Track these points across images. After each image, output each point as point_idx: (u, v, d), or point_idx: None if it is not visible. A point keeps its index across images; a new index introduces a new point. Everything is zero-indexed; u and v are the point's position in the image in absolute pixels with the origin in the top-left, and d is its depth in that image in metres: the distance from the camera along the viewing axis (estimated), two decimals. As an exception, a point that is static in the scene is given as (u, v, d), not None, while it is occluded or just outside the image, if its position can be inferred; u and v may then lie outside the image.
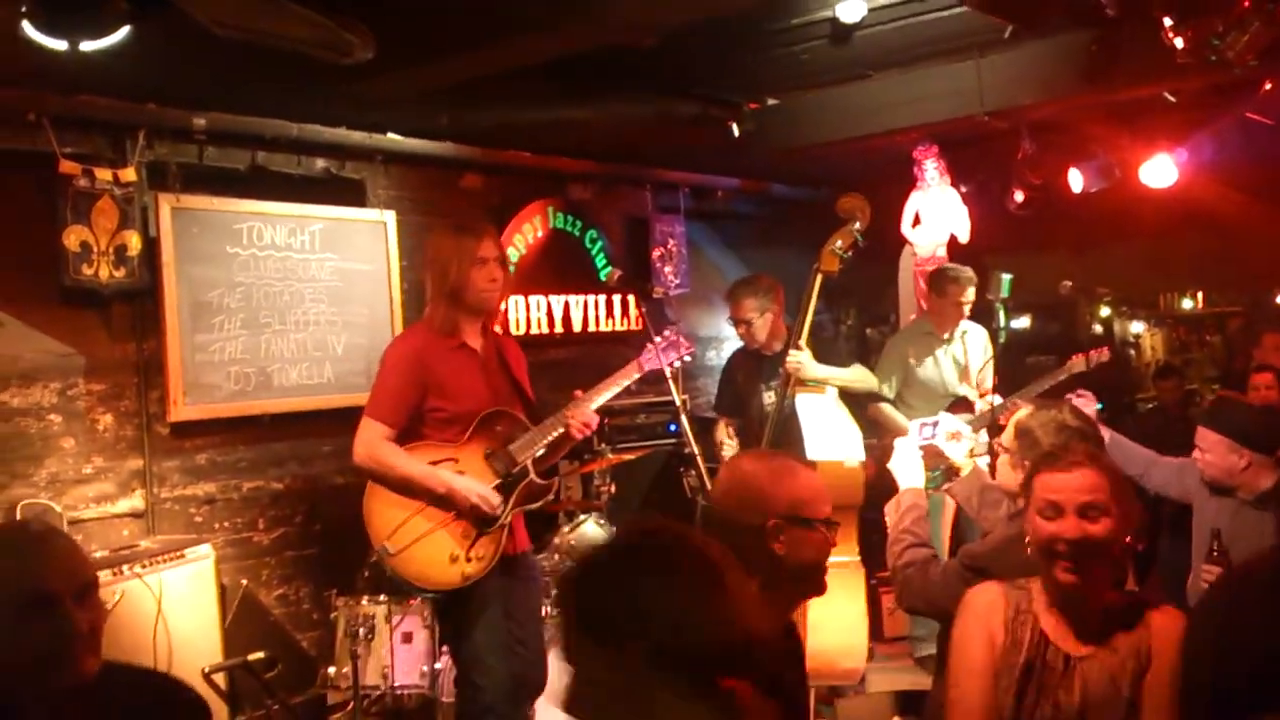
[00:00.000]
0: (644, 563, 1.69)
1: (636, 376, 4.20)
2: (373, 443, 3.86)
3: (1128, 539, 2.48)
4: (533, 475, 3.93)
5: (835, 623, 4.54)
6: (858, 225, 4.91)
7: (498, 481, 3.89)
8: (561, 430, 3.99)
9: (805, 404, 4.89)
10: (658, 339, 4.24)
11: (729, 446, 5.36)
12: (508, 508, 3.89)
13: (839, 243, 4.88)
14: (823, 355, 5.05)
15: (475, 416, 3.92)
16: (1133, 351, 9.65)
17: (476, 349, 4.01)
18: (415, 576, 3.85)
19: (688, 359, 4.29)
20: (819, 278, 4.91)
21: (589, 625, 1.65)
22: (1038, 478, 2.64)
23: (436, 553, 3.81)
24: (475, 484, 3.84)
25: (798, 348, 4.93)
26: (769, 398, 5.29)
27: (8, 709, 2.07)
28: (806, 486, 2.58)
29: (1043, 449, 3.38)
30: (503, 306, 4.45)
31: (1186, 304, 9.27)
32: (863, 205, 4.96)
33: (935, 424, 3.80)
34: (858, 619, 4.66)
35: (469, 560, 3.82)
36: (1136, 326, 9.55)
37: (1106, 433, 4.71)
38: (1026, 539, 2.60)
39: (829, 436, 4.78)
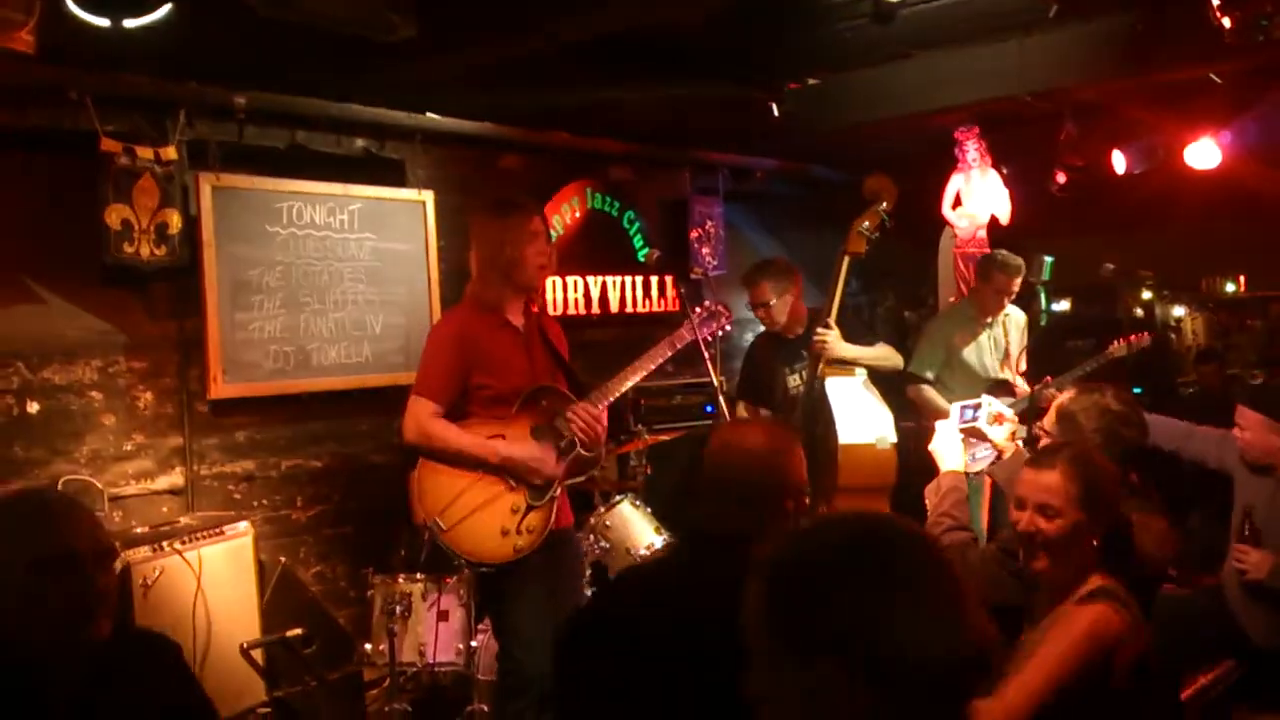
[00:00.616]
0: (879, 567, 1.43)
1: (677, 349, 4.21)
2: (422, 418, 3.89)
3: (1094, 540, 2.69)
4: (580, 448, 3.95)
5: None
6: (884, 206, 4.87)
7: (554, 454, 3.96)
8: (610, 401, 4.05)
9: (835, 387, 4.87)
10: (698, 309, 4.26)
11: None
12: (560, 478, 3.95)
13: (866, 224, 4.84)
14: (849, 336, 5.01)
15: (521, 393, 3.95)
16: (1174, 335, 9.52)
17: (519, 327, 4.05)
18: (468, 551, 3.87)
19: (729, 329, 4.29)
20: (846, 259, 4.87)
21: (792, 631, 1.43)
22: (1024, 470, 2.88)
23: (488, 527, 3.84)
24: (533, 448, 3.89)
25: (827, 326, 4.90)
26: (793, 381, 5.26)
27: (30, 666, 2.14)
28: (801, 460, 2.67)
29: (1084, 433, 3.38)
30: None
31: (1229, 288, 9.13)
32: (889, 186, 4.91)
33: (977, 406, 3.76)
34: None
35: (519, 533, 3.84)
36: (1178, 310, 9.41)
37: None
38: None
39: (860, 419, 4.75)
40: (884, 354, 5.20)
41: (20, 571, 2.09)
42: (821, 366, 4.90)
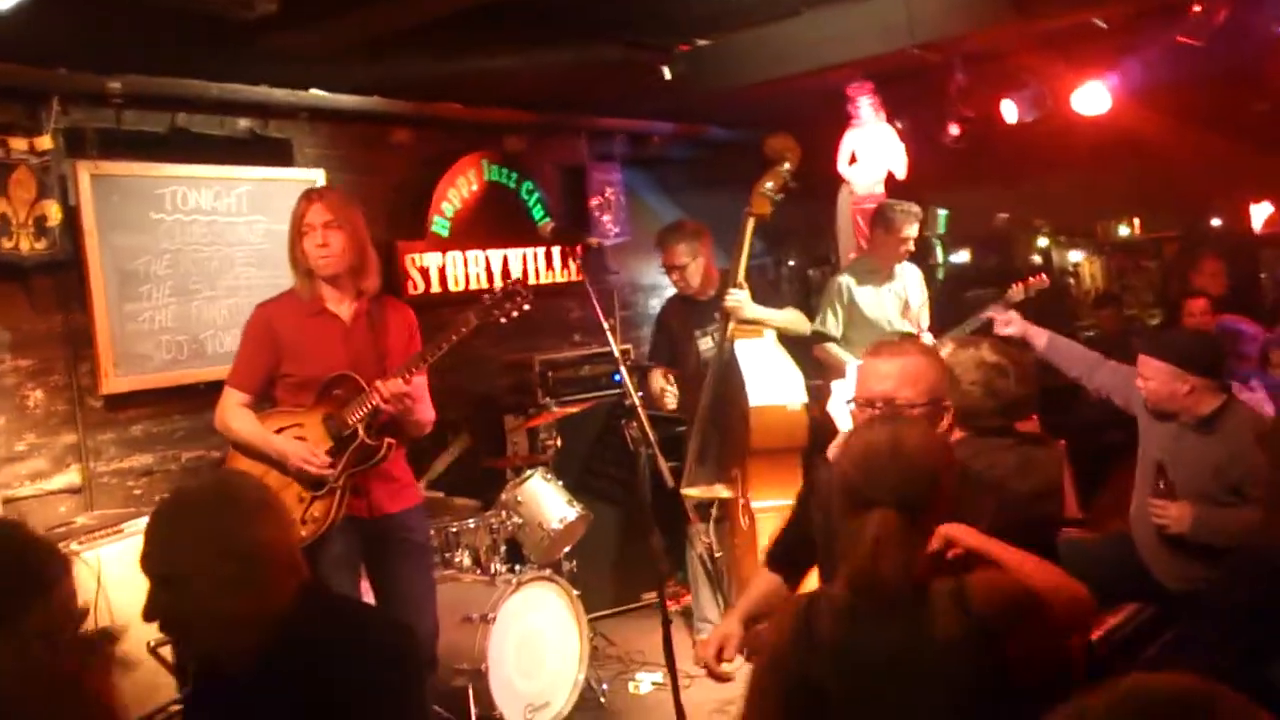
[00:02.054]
0: None
1: (463, 334, 3.90)
2: (224, 408, 3.96)
3: None
4: (363, 437, 3.85)
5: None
6: (787, 166, 4.87)
7: (330, 445, 3.85)
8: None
9: (745, 349, 4.88)
10: (487, 295, 4.00)
11: (670, 395, 5.34)
12: (339, 470, 3.83)
13: (769, 184, 4.85)
14: (757, 297, 5.03)
15: (322, 382, 3.90)
16: (1072, 280, 9.73)
17: (340, 314, 3.96)
18: None
19: (526, 309, 3.94)
20: (751, 221, 4.88)
21: None
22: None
23: None
24: (300, 447, 3.82)
25: (739, 286, 4.91)
26: (705, 344, 5.27)
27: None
28: None
29: (961, 387, 3.43)
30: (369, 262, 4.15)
31: (1123, 231, 9.35)
32: (792, 145, 4.92)
33: None
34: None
35: (303, 523, 3.78)
36: (1075, 255, 9.63)
37: (1043, 335, 4.74)
38: None
39: (770, 380, 4.78)
40: (793, 318, 5.24)
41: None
42: (731, 328, 4.91)
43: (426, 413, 4.09)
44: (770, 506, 4.67)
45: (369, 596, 4.15)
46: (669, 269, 5.31)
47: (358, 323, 3.97)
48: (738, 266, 4.92)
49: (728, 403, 4.97)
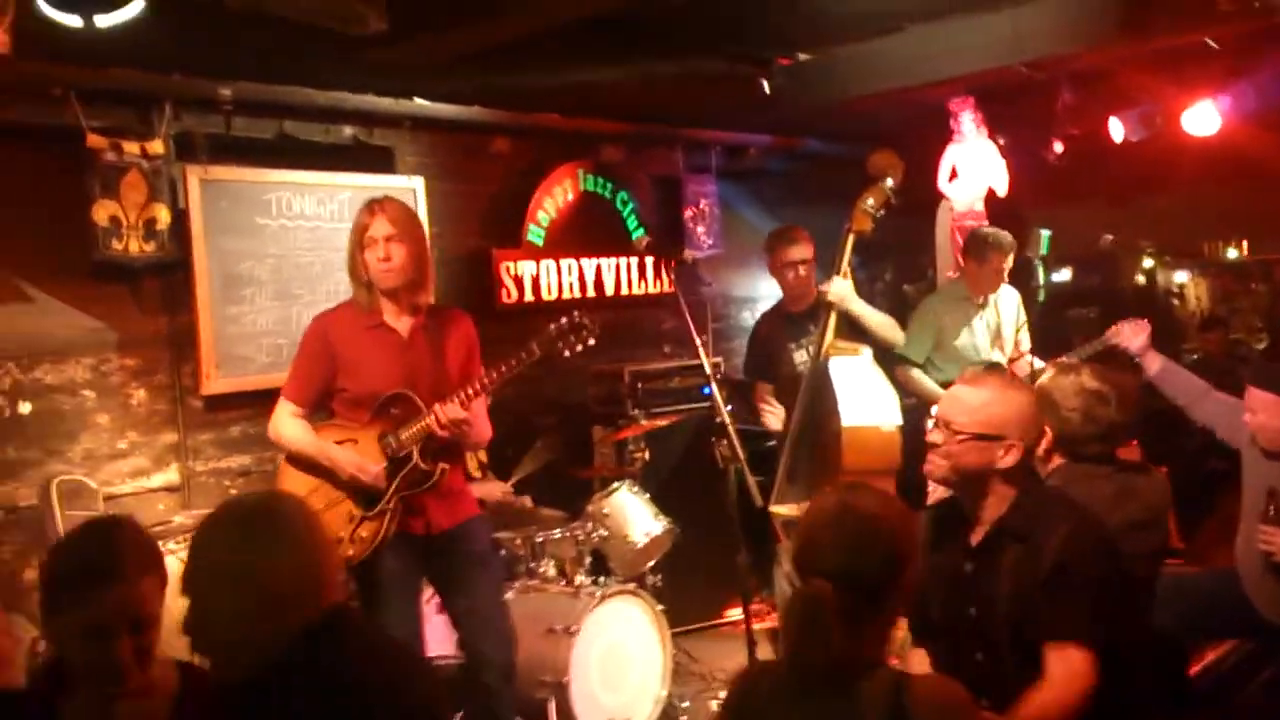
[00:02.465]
0: None
1: (525, 364, 3.84)
2: (277, 419, 3.92)
3: None
4: (417, 460, 3.79)
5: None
6: (890, 183, 4.80)
7: (383, 464, 3.80)
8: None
9: (839, 366, 4.81)
10: (553, 325, 3.89)
11: (771, 414, 5.26)
12: (389, 490, 3.79)
13: (870, 201, 4.78)
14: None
15: (379, 398, 3.83)
16: (1177, 302, 9.47)
17: (398, 329, 3.88)
18: None
19: (592, 343, 3.87)
20: (851, 237, 4.82)
21: None
22: None
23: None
24: (352, 455, 3.78)
25: (844, 276, 4.84)
26: (799, 356, 5.22)
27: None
28: None
29: (1061, 413, 3.37)
30: (428, 274, 3.97)
31: (1231, 253, 9.07)
32: (895, 162, 4.85)
33: None
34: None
35: (351, 542, 3.75)
36: (1180, 276, 9.35)
37: (1158, 360, 4.59)
38: None
39: (865, 400, 4.70)
40: (889, 322, 5.16)
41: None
42: (826, 344, 4.85)
43: (483, 433, 4.02)
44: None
45: (429, 613, 4.20)
46: (787, 266, 5.22)
47: (415, 337, 3.88)
48: (840, 266, 4.87)
49: (820, 421, 4.91)
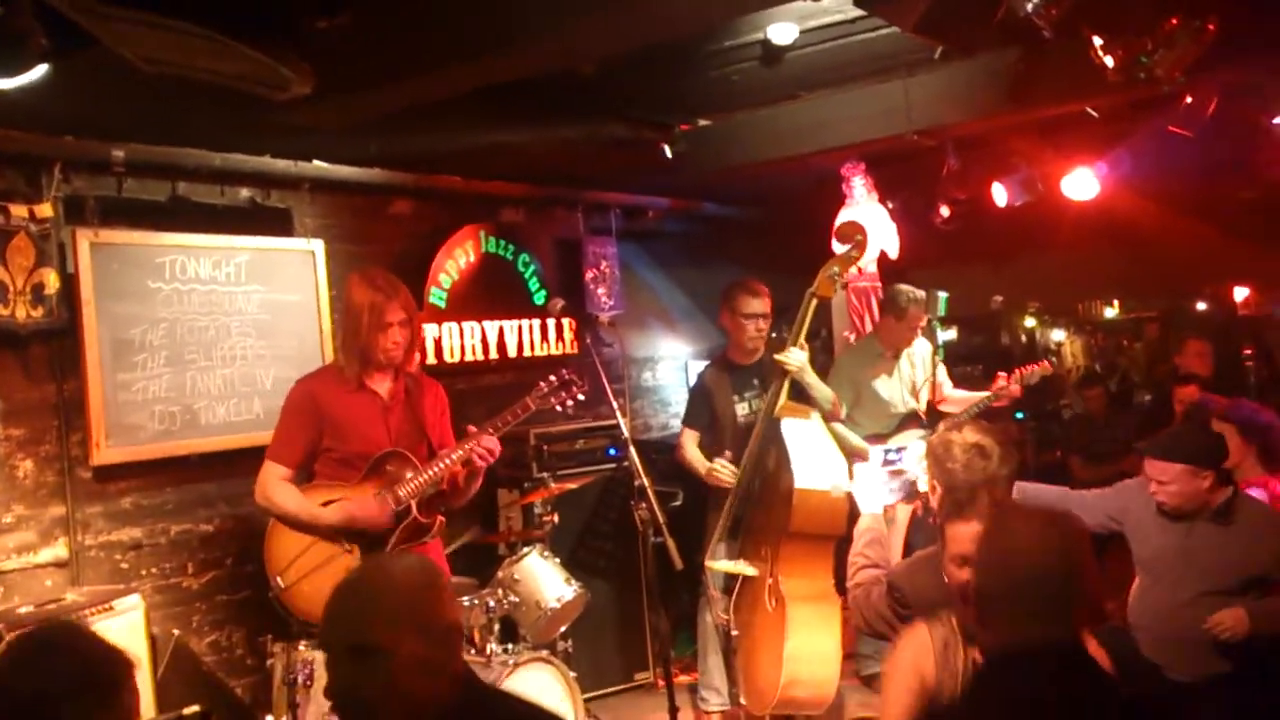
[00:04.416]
0: None
1: (519, 418, 4.27)
2: (266, 483, 4.10)
3: None
4: (415, 514, 4.07)
5: (812, 653, 4.53)
6: (855, 252, 4.89)
7: (383, 497, 4.06)
8: (446, 464, 4.13)
9: (791, 429, 4.83)
10: (542, 383, 4.35)
11: (725, 471, 5.12)
12: (390, 544, 4.04)
13: (835, 268, 4.86)
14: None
15: (369, 458, 4.08)
16: (1054, 359, 9.80)
17: (380, 392, 4.16)
18: (303, 612, 4.06)
19: (581, 399, 4.36)
20: (813, 302, 4.87)
21: None
22: (948, 527, 2.94)
23: (323, 590, 3.68)
24: (360, 501, 4.01)
25: (800, 347, 4.91)
26: (742, 409, 5.26)
27: None
28: None
29: (946, 468, 3.45)
30: (419, 343, 4.56)
31: (1108, 312, 9.46)
32: (861, 230, 4.98)
33: (901, 450, 3.82)
34: (833, 650, 4.65)
35: None
36: (1057, 334, 9.71)
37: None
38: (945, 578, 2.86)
39: (817, 464, 4.72)
40: (832, 396, 5.25)
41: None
42: (779, 406, 4.88)
43: (475, 487, 4.32)
44: (801, 594, 4.63)
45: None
46: (749, 318, 5.27)
47: (396, 400, 4.16)
48: (799, 334, 4.93)
49: (768, 480, 4.92)
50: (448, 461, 4.13)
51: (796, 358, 4.91)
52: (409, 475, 4.09)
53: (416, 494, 4.06)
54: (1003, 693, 2.25)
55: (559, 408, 4.30)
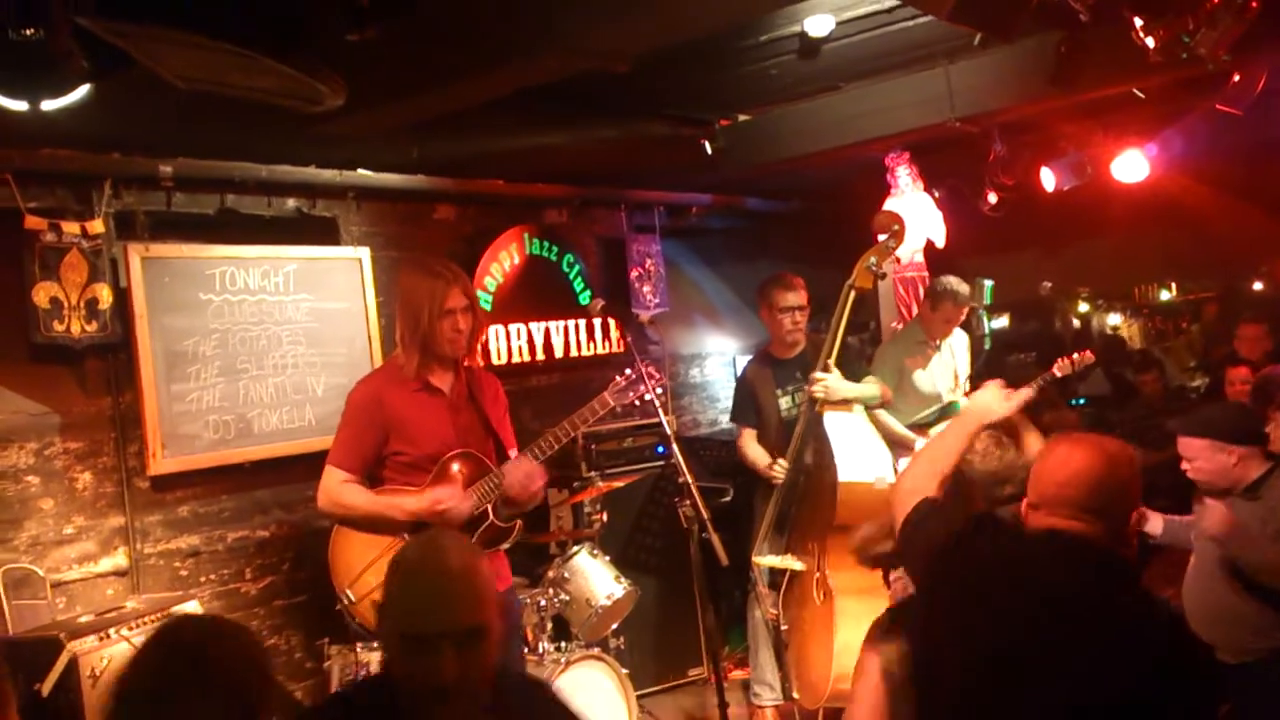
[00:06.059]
0: None
1: (599, 415, 4.20)
2: (330, 488, 3.88)
3: None
4: (493, 518, 3.87)
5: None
6: (892, 241, 4.87)
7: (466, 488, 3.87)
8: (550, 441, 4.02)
9: (835, 422, 4.84)
10: (619, 377, 4.24)
11: (779, 465, 5.15)
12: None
13: (874, 259, 4.84)
14: (850, 373, 5.07)
15: (438, 460, 3.86)
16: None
17: (443, 389, 3.96)
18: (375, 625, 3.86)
19: (659, 392, 4.22)
20: (852, 294, 4.85)
21: None
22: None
23: None
24: (435, 491, 3.80)
25: (826, 369, 4.88)
26: (784, 403, 5.27)
27: None
28: None
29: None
30: (482, 339, 4.38)
31: (1163, 295, 9.32)
32: (898, 220, 4.94)
33: None
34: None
35: None
36: (1114, 319, 9.59)
37: (1159, 520, 4.49)
38: None
39: (860, 457, 4.72)
40: (874, 392, 5.21)
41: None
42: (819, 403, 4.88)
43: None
44: (849, 586, 4.62)
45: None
46: (785, 311, 5.29)
47: (460, 397, 3.96)
48: (832, 345, 4.89)
49: (813, 475, 4.92)
50: (502, 486, 3.89)
51: (821, 387, 4.87)
52: (482, 478, 3.89)
53: (490, 499, 3.85)
54: (1000, 552, 2.40)
55: (637, 401, 4.18)
